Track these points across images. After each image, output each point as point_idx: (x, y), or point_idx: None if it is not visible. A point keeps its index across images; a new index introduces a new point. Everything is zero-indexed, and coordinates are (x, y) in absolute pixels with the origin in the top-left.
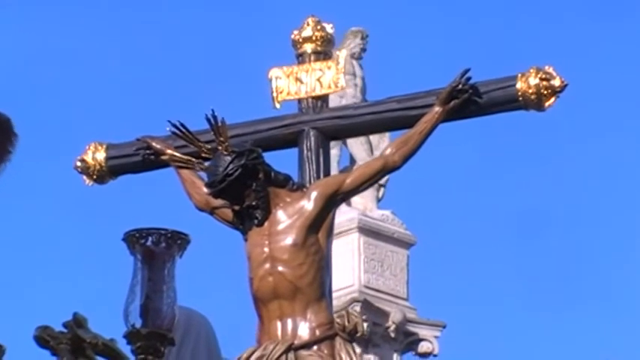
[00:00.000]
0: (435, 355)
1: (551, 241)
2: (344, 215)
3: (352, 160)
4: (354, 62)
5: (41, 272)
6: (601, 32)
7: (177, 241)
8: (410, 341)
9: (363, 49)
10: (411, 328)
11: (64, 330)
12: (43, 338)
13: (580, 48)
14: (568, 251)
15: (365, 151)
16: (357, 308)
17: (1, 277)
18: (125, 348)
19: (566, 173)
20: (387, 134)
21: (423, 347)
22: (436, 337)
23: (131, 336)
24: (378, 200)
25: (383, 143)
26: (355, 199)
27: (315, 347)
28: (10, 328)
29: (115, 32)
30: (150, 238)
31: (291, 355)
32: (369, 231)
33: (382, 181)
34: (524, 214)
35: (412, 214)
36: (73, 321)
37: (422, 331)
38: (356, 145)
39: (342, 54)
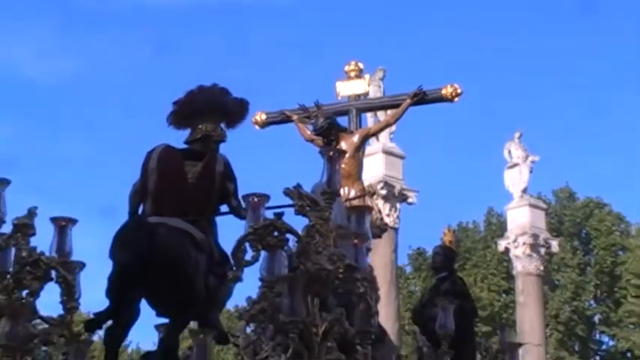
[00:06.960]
0: (414, 204)
1: None
2: (376, 145)
3: None
4: (380, 82)
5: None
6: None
7: (341, 154)
8: (404, 196)
9: (384, 76)
10: (405, 192)
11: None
12: (289, 194)
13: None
14: None
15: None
16: (382, 184)
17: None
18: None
19: None
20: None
21: (409, 199)
22: (415, 196)
23: (324, 193)
24: (391, 139)
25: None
26: (381, 138)
27: (359, 199)
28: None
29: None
30: (331, 150)
31: (347, 203)
32: (386, 152)
33: (392, 129)
34: None
35: (405, 146)
36: (296, 186)
37: (409, 193)
38: (382, 116)
39: (367, 77)
